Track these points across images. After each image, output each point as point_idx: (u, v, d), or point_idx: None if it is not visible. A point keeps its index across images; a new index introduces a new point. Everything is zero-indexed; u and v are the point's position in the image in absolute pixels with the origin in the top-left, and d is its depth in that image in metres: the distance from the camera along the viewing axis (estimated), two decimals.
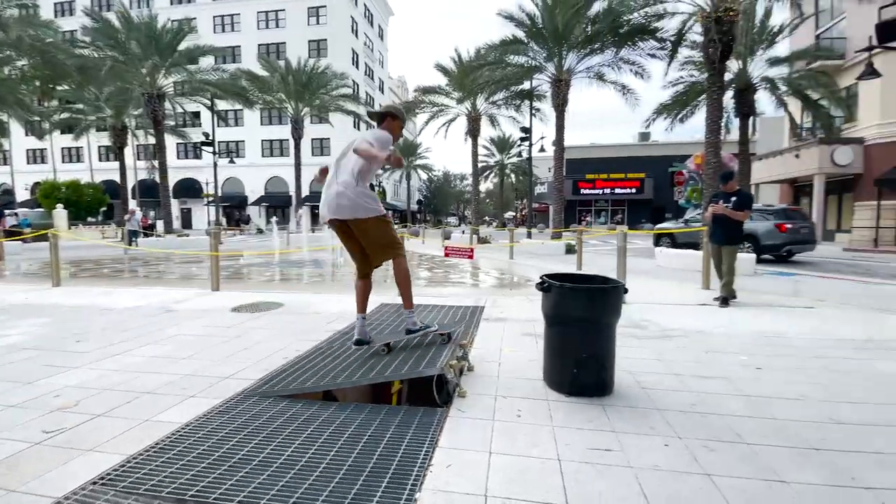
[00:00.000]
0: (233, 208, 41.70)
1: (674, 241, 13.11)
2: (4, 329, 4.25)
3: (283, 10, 41.05)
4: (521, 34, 20.14)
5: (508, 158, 51.89)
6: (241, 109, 35.08)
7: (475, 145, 29.09)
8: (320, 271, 9.91)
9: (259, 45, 40.47)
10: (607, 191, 38.84)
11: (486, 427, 2.22)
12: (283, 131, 37.42)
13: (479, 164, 34.93)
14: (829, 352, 3.48)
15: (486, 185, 61.86)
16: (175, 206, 38.06)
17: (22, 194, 40.56)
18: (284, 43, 40.70)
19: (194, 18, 39.43)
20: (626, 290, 2.63)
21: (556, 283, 2.59)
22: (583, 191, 39.10)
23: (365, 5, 45.86)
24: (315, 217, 39.03)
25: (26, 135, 38.56)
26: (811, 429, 2.21)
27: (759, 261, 9.92)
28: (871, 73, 8.82)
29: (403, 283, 3.18)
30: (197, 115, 34.43)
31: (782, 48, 21.09)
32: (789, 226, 11.17)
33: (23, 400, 2.59)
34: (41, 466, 1.89)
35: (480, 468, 1.86)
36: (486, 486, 1.73)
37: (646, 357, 3.33)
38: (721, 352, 3.48)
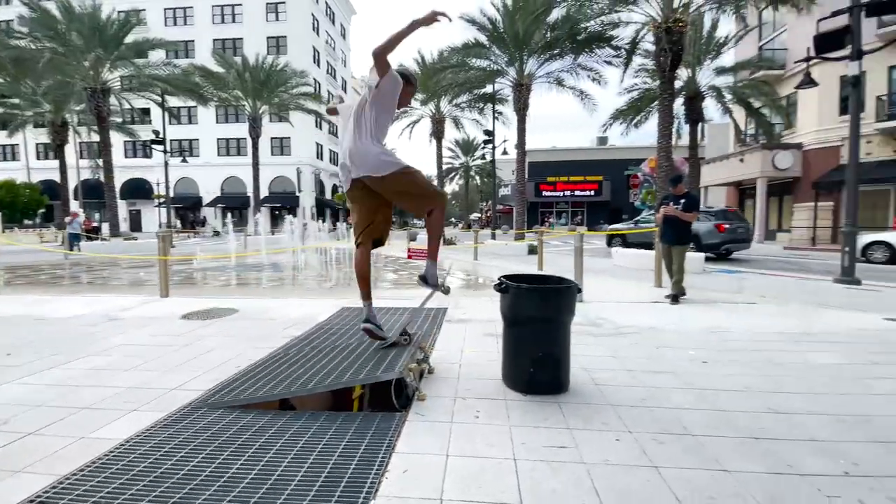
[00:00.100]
0: (187, 210, 39.86)
1: (625, 241, 13.68)
2: None
3: (241, 4, 39.68)
4: (483, 38, 20.42)
5: (473, 161, 52.39)
6: (195, 107, 33.64)
7: (440, 147, 29.22)
8: (279, 275, 9.63)
9: (214, 39, 38.93)
10: (568, 193, 39.84)
11: (444, 430, 2.22)
12: (241, 130, 36.16)
13: (444, 166, 35.11)
14: (769, 345, 3.69)
15: (451, 187, 62.18)
16: (123, 208, 35.96)
17: None
18: (241, 38, 39.34)
19: (143, 10, 37.69)
20: (579, 290, 2.69)
21: (512, 284, 2.62)
22: (545, 193, 39.93)
23: (326, 3, 45.04)
24: (274, 219, 37.99)
25: None
26: (752, 419, 2.33)
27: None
28: (808, 82, 9.42)
29: (436, 233, 3.01)
30: (147, 111, 32.77)
31: (728, 58, 22.48)
32: (727, 226, 11.89)
33: None
34: None
35: (437, 472, 1.85)
36: (441, 489, 1.72)
37: (601, 354, 3.43)
38: (671, 347, 3.63)
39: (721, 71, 20.15)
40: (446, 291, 3.14)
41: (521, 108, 20.83)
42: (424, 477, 1.81)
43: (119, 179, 30.75)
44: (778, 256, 13.92)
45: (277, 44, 39.33)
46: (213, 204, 39.32)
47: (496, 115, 24.53)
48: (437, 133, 28.44)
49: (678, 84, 16.95)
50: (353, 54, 71.06)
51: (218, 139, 40.58)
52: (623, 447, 2.04)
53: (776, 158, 20.20)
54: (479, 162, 51.45)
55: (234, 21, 40.07)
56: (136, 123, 29.43)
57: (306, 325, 4.23)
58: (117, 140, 28.57)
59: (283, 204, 38.60)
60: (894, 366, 3.19)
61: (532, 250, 14.18)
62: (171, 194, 30.87)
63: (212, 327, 4.35)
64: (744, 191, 24.21)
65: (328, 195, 44.34)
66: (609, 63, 18.67)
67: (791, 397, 2.61)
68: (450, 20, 2.67)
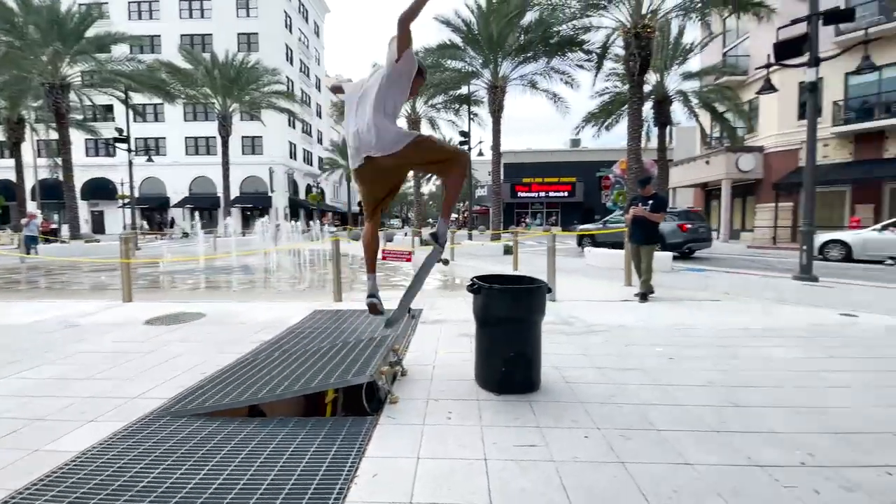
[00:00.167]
0: (153, 211, 38.48)
1: (594, 241, 13.99)
2: None
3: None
4: (458, 40, 20.46)
5: None
6: (162, 104, 32.46)
7: None
8: (250, 277, 9.41)
9: (182, 35, 37.69)
10: (542, 194, 40.43)
11: (415, 432, 2.21)
12: (210, 128, 35.09)
13: None
14: (732, 340, 3.83)
15: (428, 188, 62.02)
16: (84, 209, 34.43)
17: None
18: (211, 35, 38.24)
19: (105, 3, 36.17)
20: (549, 290, 2.73)
21: (484, 285, 2.63)
22: (520, 194, 40.41)
23: (300, 1, 44.33)
24: (246, 220, 37.09)
25: None
26: (714, 413, 2.41)
27: None
28: (769, 88, 9.81)
29: (455, 192, 2.88)
30: (110, 108, 31.44)
31: (695, 64, 23.13)
32: (689, 226, 12.35)
33: None
34: None
35: (407, 475, 1.84)
36: (411, 492, 1.71)
37: (572, 352, 3.48)
38: (639, 344, 3.72)
39: (687, 76, 20.78)
40: (446, 262, 3.15)
41: (496, 110, 20.98)
42: (394, 481, 1.80)
43: (80, 179, 29.41)
44: (741, 255, 14.46)
45: (249, 41, 38.42)
46: (181, 204, 38.07)
47: (472, 116, 24.62)
48: None
49: (647, 88, 17.38)
50: (326, 52, 70.06)
51: (186, 138, 39.32)
52: (591, 444, 2.08)
53: (739, 161, 20.98)
54: None
55: (202, 17, 38.93)
56: (99, 121, 28.13)
57: (277, 329, 4.15)
58: (78, 138, 27.27)
59: (254, 204, 37.72)
60: (849, 359, 3.35)
61: (508, 250, 14.30)
62: (137, 195, 29.74)
63: (177, 333, 4.21)
64: (710, 192, 25.05)
65: (302, 195, 43.56)
66: (581, 67, 19.02)
67: (751, 391, 2.71)
68: None
